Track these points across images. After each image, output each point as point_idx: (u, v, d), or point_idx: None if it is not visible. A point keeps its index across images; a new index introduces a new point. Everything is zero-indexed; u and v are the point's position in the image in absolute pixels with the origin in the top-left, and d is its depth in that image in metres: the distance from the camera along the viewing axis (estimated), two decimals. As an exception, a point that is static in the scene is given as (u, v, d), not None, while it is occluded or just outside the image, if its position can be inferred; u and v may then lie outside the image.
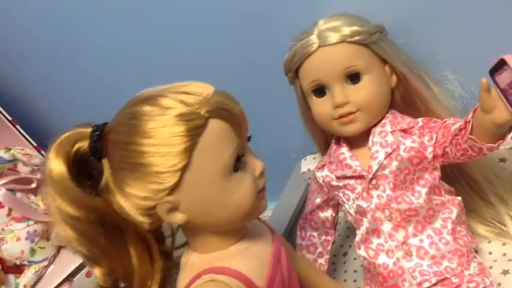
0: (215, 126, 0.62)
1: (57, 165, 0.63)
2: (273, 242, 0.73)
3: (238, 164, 0.65)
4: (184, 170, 0.61)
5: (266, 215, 1.13)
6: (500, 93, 0.70)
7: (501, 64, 0.69)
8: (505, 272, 0.88)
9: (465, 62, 0.92)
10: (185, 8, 1.12)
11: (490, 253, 0.92)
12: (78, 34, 1.24)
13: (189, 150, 0.61)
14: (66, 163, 0.63)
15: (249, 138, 0.68)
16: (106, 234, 0.65)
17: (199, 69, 1.14)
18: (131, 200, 0.63)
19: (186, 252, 0.71)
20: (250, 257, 0.68)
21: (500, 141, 0.74)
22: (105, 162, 0.65)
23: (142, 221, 0.64)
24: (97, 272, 0.67)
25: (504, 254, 0.91)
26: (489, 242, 0.94)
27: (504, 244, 0.92)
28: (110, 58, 1.27)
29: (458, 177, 0.94)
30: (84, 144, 0.65)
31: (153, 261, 0.69)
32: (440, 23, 0.95)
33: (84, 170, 0.65)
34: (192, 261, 0.69)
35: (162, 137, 0.60)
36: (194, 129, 0.61)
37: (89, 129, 0.65)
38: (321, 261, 0.96)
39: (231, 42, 1.13)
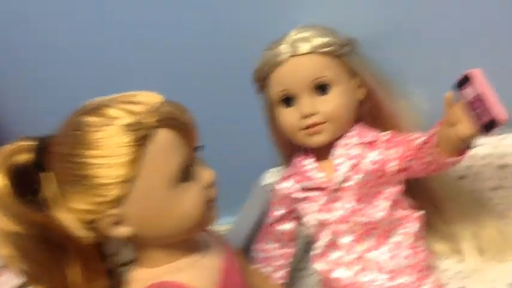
0: (163, 136, 0.61)
1: None
2: (224, 254, 0.72)
3: (186, 174, 0.63)
4: (130, 181, 0.60)
5: (226, 228, 1.12)
6: (465, 107, 0.71)
7: (466, 79, 0.71)
8: (461, 289, 0.89)
9: (431, 78, 0.94)
10: (152, 17, 1.11)
11: (446, 270, 0.93)
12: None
13: (136, 161, 0.59)
14: (7, 177, 0.60)
15: (199, 148, 0.67)
16: (47, 250, 0.62)
17: (163, 80, 1.14)
18: (74, 214, 0.61)
19: (132, 267, 0.69)
20: (200, 270, 0.67)
21: (463, 155, 0.76)
22: (48, 176, 0.63)
23: (85, 236, 0.62)
24: None
25: (459, 272, 0.92)
26: (446, 259, 0.95)
27: (460, 262, 0.93)
28: (63, 65, 1.24)
29: (420, 193, 0.94)
30: (26, 157, 0.62)
31: (95, 279, 0.66)
32: (408, 39, 0.97)
33: (26, 183, 0.63)
34: (138, 277, 0.67)
35: (107, 148, 0.59)
36: (141, 140, 0.59)
37: (32, 142, 0.63)
38: (280, 274, 0.95)
39: (197, 53, 1.13)
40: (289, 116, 0.88)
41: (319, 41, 0.86)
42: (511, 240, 0.92)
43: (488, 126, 0.69)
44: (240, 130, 1.18)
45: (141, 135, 0.59)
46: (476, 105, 0.70)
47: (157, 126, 0.61)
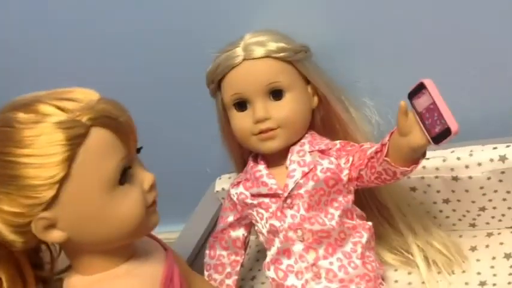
0: (98, 135, 0.58)
1: None
2: (165, 260, 0.69)
3: (124, 176, 0.60)
4: (62, 182, 0.56)
5: (176, 235, 1.10)
6: (417, 117, 0.71)
7: (420, 88, 0.71)
8: (410, 300, 0.89)
9: (384, 90, 0.95)
10: (105, 18, 1.09)
11: (396, 281, 0.93)
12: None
13: (68, 161, 0.56)
14: None
15: (138, 150, 0.64)
16: None
17: (117, 81, 1.12)
18: (2, 217, 0.57)
19: (68, 275, 0.66)
20: (140, 277, 0.64)
21: (414, 165, 0.75)
22: None
23: (14, 240, 0.58)
24: None
25: (409, 283, 0.92)
26: (395, 270, 0.95)
27: (410, 273, 0.93)
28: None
29: (370, 203, 0.94)
30: None
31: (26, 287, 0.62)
32: (363, 50, 0.97)
33: None
34: (73, 284, 0.64)
35: (38, 147, 0.55)
36: (74, 138, 0.56)
37: None
38: (229, 282, 0.93)
39: (152, 55, 1.11)
40: (242, 121, 0.86)
41: (273, 45, 0.85)
42: (461, 252, 0.92)
43: (440, 137, 0.68)
44: (192, 135, 1.17)
45: (74, 134, 0.56)
46: (429, 116, 0.69)
47: (92, 125, 0.57)
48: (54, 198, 0.57)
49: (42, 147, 0.55)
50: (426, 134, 0.70)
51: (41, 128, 0.56)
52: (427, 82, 0.70)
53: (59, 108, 0.57)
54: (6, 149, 0.56)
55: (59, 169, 0.56)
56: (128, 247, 0.66)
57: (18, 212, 0.57)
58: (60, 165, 0.56)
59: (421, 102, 0.71)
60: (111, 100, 0.61)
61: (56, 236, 0.59)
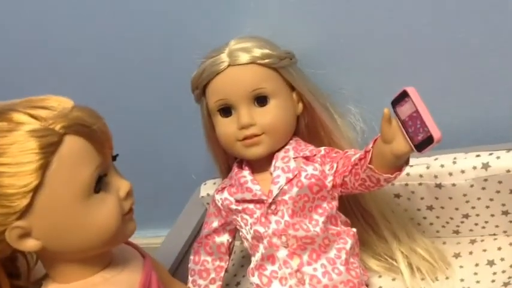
0: (72, 143, 0.58)
1: None
2: (143, 267, 0.69)
3: (99, 184, 0.60)
4: (36, 191, 0.56)
5: (159, 241, 1.09)
6: (401, 125, 0.71)
7: (403, 96, 0.71)
8: (394, 306, 0.89)
9: (368, 97, 0.95)
10: (91, 24, 1.09)
11: None
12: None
13: (42, 169, 0.56)
14: None
15: (114, 158, 0.64)
16: None
17: (103, 88, 1.11)
18: None
19: (44, 283, 0.65)
20: (117, 286, 0.64)
21: (397, 172, 0.75)
22: None
23: None
24: None
25: (393, 289, 0.92)
26: (380, 276, 0.95)
27: (394, 279, 0.93)
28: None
29: (355, 210, 0.95)
30: None
31: None
32: (347, 58, 0.98)
33: None
34: None
35: (11, 155, 0.55)
36: (47, 147, 0.56)
37: None
38: (213, 287, 0.93)
39: (138, 61, 1.10)
40: (226, 126, 0.86)
41: (258, 52, 0.85)
42: (444, 259, 0.92)
43: (423, 144, 0.69)
44: (177, 141, 1.16)
45: (47, 142, 0.56)
46: (412, 123, 0.70)
47: (66, 133, 0.57)
48: (28, 206, 0.56)
49: (15, 156, 0.55)
50: (409, 141, 0.70)
51: (14, 136, 0.56)
52: (410, 90, 0.70)
53: (32, 116, 0.57)
54: None
55: (32, 177, 0.55)
56: (105, 255, 0.66)
57: None
58: (33, 174, 0.55)
59: (404, 110, 0.71)
60: (86, 108, 0.61)
61: (30, 244, 0.59)
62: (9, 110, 0.58)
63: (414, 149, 0.70)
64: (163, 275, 0.75)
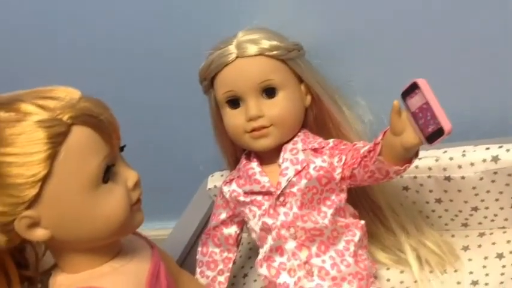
0: (79, 133, 0.58)
1: None
2: (151, 257, 0.69)
3: (107, 174, 0.60)
4: (44, 180, 0.56)
5: (166, 232, 1.09)
6: (411, 117, 0.71)
7: (413, 88, 0.70)
8: (402, 299, 0.89)
9: (377, 90, 0.94)
10: (101, 7, 1.08)
11: (388, 280, 0.93)
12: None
13: (50, 159, 0.56)
14: None
15: (121, 148, 0.64)
16: None
17: (109, 74, 1.11)
18: None
19: (53, 273, 0.66)
20: (125, 275, 0.64)
21: (407, 164, 0.75)
22: None
23: None
24: None
25: (401, 282, 0.92)
26: (388, 269, 0.95)
27: (402, 272, 0.93)
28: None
29: (363, 202, 0.94)
30: None
31: (10, 287, 0.62)
32: (357, 50, 0.97)
33: None
34: (59, 283, 0.63)
35: (19, 145, 0.55)
36: (55, 137, 0.56)
37: None
38: (221, 278, 0.93)
39: (146, 53, 1.10)
40: (234, 118, 0.86)
41: (266, 44, 0.84)
42: (453, 252, 0.92)
43: (434, 136, 0.68)
44: (184, 133, 1.16)
45: (55, 132, 0.56)
46: (422, 115, 0.69)
47: (74, 123, 0.57)
48: (37, 196, 0.56)
49: (23, 146, 0.55)
50: (419, 133, 0.70)
51: (22, 126, 0.56)
52: (421, 82, 0.70)
53: (40, 106, 0.57)
54: None
55: (41, 167, 0.55)
56: (114, 245, 0.66)
57: (0, 211, 0.56)
58: (42, 164, 0.55)
59: (414, 101, 0.70)
60: (93, 98, 0.61)
61: (39, 234, 0.59)
62: (16, 100, 0.58)
63: (424, 141, 0.70)
64: (171, 266, 0.75)
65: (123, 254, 0.66)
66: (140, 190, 0.64)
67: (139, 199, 0.64)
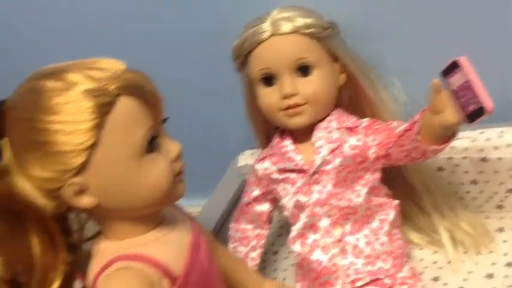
0: (125, 104, 0.58)
1: None
2: (192, 229, 0.70)
3: (151, 145, 0.61)
4: (91, 149, 0.57)
5: (197, 210, 1.10)
6: (451, 95, 0.70)
7: (454, 66, 0.69)
8: (435, 279, 0.89)
9: (413, 70, 0.93)
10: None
11: (421, 260, 0.93)
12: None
13: (97, 128, 0.57)
14: None
15: (164, 120, 0.65)
16: (5, 221, 0.60)
17: (142, 54, 1.11)
18: (34, 182, 0.58)
19: (98, 240, 0.67)
20: (168, 244, 0.65)
21: (445, 144, 0.74)
22: (4, 142, 0.60)
23: (45, 205, 0.59)
24: None
25: (435, 262, 0.92)
26: (420, 249, 0.95)
27: (435, 252, 0.93)
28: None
29: (398, 183, 0.93)
30: None
31: (57, 253, 0.63)
32: (394, 30, 0.96)
33: None
34: (103, 249, 0.65)
35: (66, 114, 0.56)
36: (102, 106, 0.57)
37: None
38: (254, 255, 0.94)
39: (179, 30, 1.10)
40: (269, 96, 0.86)
41: (301, 21, 0.84)
42: (488, 233, 0.91)
43: (474, 115, 0.67)
44: (216, 111, 1.16)
45: (102, 102, 0.57)
46: (463, 94, 0.68)
47: (119, 94, 0.58)
48: (84, 164, 0.58)
49: (70, 115, 0.56)
50: (459, 112, 0.69)
51: (69, 95, 0.57)
52: (462, 60, 0.69)
53: (86, 77, 0.58)
54: (36, 116, 0.57)
55: (87, 136, 0.56)
56: (156, 215, 0.67)
57: (49, 177, 0.58)
58: (89, 133, 0.56)
59: (455, 80, 0.69)
60: (137, 71, 0.62)
61: (86, 201, 0.60)
62: (63, 70, 0.59)
63: (465, 120, 0.69)
64: (208, 238, 0.76)
65: (165, 224, 0.67)
66: (182, 162, 0.65)
67: (181, 170, 0.65)
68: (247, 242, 0.94)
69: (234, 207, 1.05)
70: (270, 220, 0.96)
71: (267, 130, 0.96)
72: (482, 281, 0.86)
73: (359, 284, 0.82)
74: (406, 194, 0.94)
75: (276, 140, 0.90)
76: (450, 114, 0.70)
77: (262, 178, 0.91)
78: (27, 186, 0.59)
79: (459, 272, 0.88)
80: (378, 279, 0.82)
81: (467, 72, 0.68)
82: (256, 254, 0.94)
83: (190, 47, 1.11)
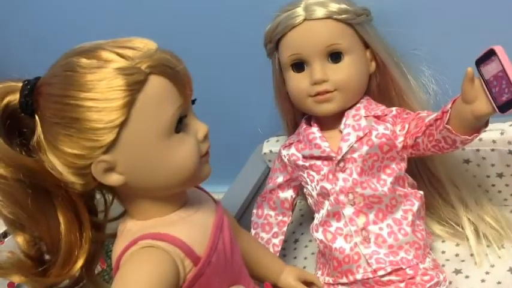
0: (156, 83, 0.59)
1: None
2: (215, 211, 0.70)
3: (179, 125, 0.61)
4: (121, 126, 0.57)
5: (219, 196, 1.10)
6: (484, 85, 0.69)
7: (489, 55, 0.69)
8: (457, 272, 0.88)
9: (443, 60, 0.92)
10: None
11: (443, 252, 0.93)
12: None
13: (128, 106, 0.57)
14: None
15: (193, 101, 0.65)
16: (34, 197, 0.60)
17: (170, 35, 1.12)
18: (64, 158, 0.59)
19: (123, 220, 0.68)
20: (192, 225, 0.65)
21: (475, 134, 0.74)
22: (37, 118, 0.60)
23: (74, 182, 0.60)
24: (19, 239, 0.62)
25: (457, 255, 0.91)
26: (443, 241, 0.94)
27: (457, 245, 0.93)
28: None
29: (423, 174, 0.93)
30: (14, 99, 0.60)
31: (82, 230, 0.64)
32: (424, 18, 0.95)
33: (14, 126, 0.61)
34: (129, 228, 0.65)
35: (99, 91, 0.56)
36: (134, 84, 0.57)
37: (20, 83, 0.60)
38: (275, 241, 0.94)
39: (211, 15, 1.10)
40: (299, 82, 0.86)
41: (335, 7, 0.83)
42: (511, 227, 0.90)
43: (508, 105, 0.67)
44: (243, 95, 1.16)
45: (134, 80, 0.57)
46: (496, 83, 0.68)
47: (151, 73, 0.58)
48: (114, 142, 0.58)
49: (103, 92, 0.56)
50: (492, 102, 0.68)
51: (102, 73, 0.57)
52: (498, 49, 0.68)
53: (119, 55, 0.58)
54: (69, 93, 0.57)
55: (119, 114, 0.57)
56: (181, 195, 0.67)
57: (79, 154, 0.58)
58: (120, 110, 0.57)
59: (489, 69, 0.69)
60: (168, 51, 0.62)
61: (114, 179, 0.60)
62: (98, 48, 0.59)
63: (497, 110, 0.68)
64: (232, 221, 0.76)
65: (190, 205, 0.68)
66: (209, 143, 0.66)
67: (208, 151, 0.66)
68: (269, 228, 0.94)
69: (257, 194, 1.06)
70: (293, 207, 0.96)
71: (294, 117, 0.96)
72: (505, 274, 0.85)
73: (381, 273, 0.82)
74: (430, 186, 0.94)
75: (302, 126, 0.90)
76: (482, 103, 0.70)
77: (287, 164, 0.91)
78: (58, 163, 0.59)
79: (482, 265, 0.88)
80: (400, 269, 0.82)
81: (503, 61, 0.67)
82: (277, 241, 0.94)
83: (221, 31, 1.11)
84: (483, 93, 0.69)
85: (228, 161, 1.17)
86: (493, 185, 0.94)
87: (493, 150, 0.89)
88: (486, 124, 0.74)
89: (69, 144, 0.58)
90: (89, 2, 1.20)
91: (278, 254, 0.93)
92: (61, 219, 0.63)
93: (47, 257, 0.64)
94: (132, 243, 0.61)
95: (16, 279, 0.62)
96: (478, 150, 0.90)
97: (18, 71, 0.63)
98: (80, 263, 0.64)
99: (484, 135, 0.88)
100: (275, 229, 0.94)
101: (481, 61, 0.70)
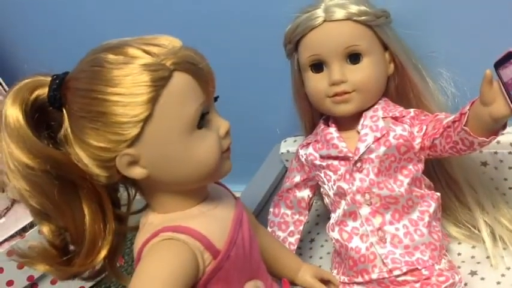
0: (180, 79, 0.61)
1: (13, 112, 0.60)
2: (235, 206, 0.72)
3: (202, 121, 0.63)
4: (146, 121, 0.59)
5: (236, 195, 1.11)
6: (503, 87, 0.70)
7: (508, 57, 0.69)
8: (473, 273, 0.89)
9: (461, 62, 0.92)
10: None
11: (459, 254, 0.93)
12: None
13: (152, 101, 0.59)
14: (23, 110, 0.60)
15: (216, 98, 0.67)
16: (60, 188, 0.62)
17: (190, 35, 1.13)
18: (90, 151, 0.61)
19: (145, 213, 0.70)
20: (212, 219, 0.67)
21: (493, 136, 0.74)
22: (64, 112, 0.62)
23: (99, 174, 0.62)
24: (45, 229, 0.64)
25: (473, 257, 0.92)
26: (459, 243, 0.95)
27: (473, 247, 0.93)
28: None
29: (439, 175, 0.94)
30: (43, 92, 0.62)
31: (106, 222, 0.66)
32: (442, 20, 0.95)
33: (42, 119, 0.63)
34: (150, 221, 0.67)
35: (125, 86, 0.58)
36: (158, 80, 0.59)
37: (49, 78, 0.63)
38: (291, 240, 0.95)
39: (229, 16, 1.12)
40: (317, 82, 0.87)
41: (355, 8, 0.84)
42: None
43: None
44: (262, 96, 1.17)
45: (158, 76, 0.59)
46: None
47: (175, 69, 0.60)
48: (138, 136, 0.60)
49: (129, 87, 0.58)
50: (510, 104, 0.69)
51: (129, 68, 0.59)
52: None
53: (145, 51, 0.60)
54: (96, 87, 0.59)
55: (143, 108, 0.59)
56: (202, 190, 0.69)
57: (104, 147, 0.60)
58: (144, 105, 0.59)
59: (508, 72, 0.69)
60: (192, 48, 0.64)
61: (137, 172, 0.62)
62: (124, 45, 0.61)
63: (515, 112, 0.69)
64: (251, 218, 0.78)
65: (210, 200, 0.69)
66: (230, 139, 0.67)
67: (229, 148, 0.67)
68: (285, 227, 0.95)
69: (274, 193, 1.07)
70: (309, 207, 0.97)
71: (313, 117, 0.97)
72: (521, 277, 0.85)
73: (396, 273, 0.82)
74: (447, 187, 0.94)
75: (320, 127, 0.91)
76: (500, 106, 0.70)
77: (304, 164, 0.92)
78: (84, 155, 0.61)
79: (497, 267, 0.88)
80: (415, 269, 0.82)
81: None
82: (293, 240, 0.95)
83: (240, 31, 1.12)
84: (501, 96, 0.70)
85: (246, 160, 1.18)
86: (510, 188, 0.94)
87: (510, 152, 0.89)
88: (504, 126, 0.75)
89: (95, 138, 0.60)
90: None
91: (294, 253, 0.94)
92: (86, 210, 0.65)
93: (71, 247, 0.66)
94: (154, 235, 0.63)
95: (41, 268, 0.64)
96: (495, 152, 0.91)
97: (37, 67, 0.65)
98: (103, 253, 0.65)
99: (502, 137, 0.89)
100: (291, 228, 0.95)
101: (499, 64, 0.70)
